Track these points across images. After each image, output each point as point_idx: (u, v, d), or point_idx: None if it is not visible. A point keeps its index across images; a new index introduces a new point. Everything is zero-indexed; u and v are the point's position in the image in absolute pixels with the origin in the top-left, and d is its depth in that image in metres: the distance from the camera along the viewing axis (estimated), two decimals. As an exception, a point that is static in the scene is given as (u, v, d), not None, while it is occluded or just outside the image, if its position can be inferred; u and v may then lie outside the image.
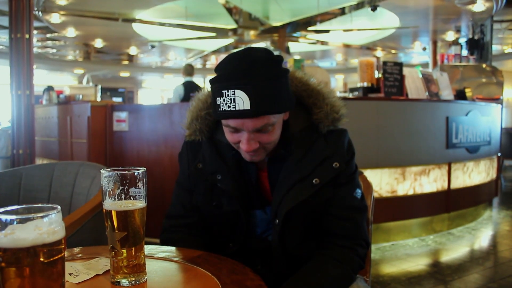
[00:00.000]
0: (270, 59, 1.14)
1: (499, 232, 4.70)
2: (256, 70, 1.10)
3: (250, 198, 1.28)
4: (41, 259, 0.61)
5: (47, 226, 0.62)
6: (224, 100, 1.11)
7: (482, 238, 4.46)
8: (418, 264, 3.58)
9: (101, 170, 0.92)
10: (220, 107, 1.12)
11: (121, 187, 0.93)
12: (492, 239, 4.48)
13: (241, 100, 1.09)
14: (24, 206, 0.64)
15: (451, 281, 3.19)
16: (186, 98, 6.12)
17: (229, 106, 1.10)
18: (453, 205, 4.55)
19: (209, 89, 1.25)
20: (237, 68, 1.10)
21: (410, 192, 4.17)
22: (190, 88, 6.26)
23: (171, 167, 3.98)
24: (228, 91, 1.10)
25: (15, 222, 0.61)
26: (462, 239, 4.31)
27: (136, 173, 0.94)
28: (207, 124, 1.31)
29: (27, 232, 0.60)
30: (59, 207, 0.65)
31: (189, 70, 6.47)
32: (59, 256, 0.64)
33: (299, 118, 1.26)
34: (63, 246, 0.65)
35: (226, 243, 1.29)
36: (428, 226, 4.42)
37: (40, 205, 0.64)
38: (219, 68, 1.15)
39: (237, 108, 1.09)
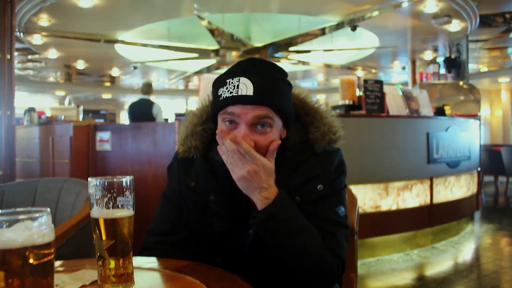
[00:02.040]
0: (276, 65, 1.20)
1: (482, 245, 4.76)
2: (263, 67, 1.15)
3: (241, 218, 1.22)
4: (31, 261, 0.61)
5: (37, 228, 0.62)
6: (227, 88, 1.12)
7: (465, 252, 4.50)
8: (404, 278, 3.59)
9: (88, 179, 0.92)
10: (221, 97, 1.13)
11: (108, 195, 0.93)
12: (475, 252, 4.53)
13: (245, 86, 1.10)
14: (12, 210, 0.63)
15: (436, 294, 3.21)
16: (132, 117, 6.08)
17: (231, 92, 1.11)
18: (436, 219, 4.60)
19: (202, 102, 1.26)
20: (244, 63, 1.16)
21: (394, 207, 4.21)
22: (135, 107, 6.18)
23: (155, 186, 3.95)
24: (232, 79, 1.12)
25: (4, 224, 0.60)
26: (446, 253, 4.34)
27: (123, 182, 0.95)
28: (203, 140, 1.26)
29: (16, 233, 0.60)
30: (48, 209, 0.65)
31: (144, 89, 6.24)
32: (49, 258, 0.63)
33: (295, 135, 1.24)
34: (53, 249, 0.64)
35: (213, 258, 1.26)
36: (412, 240, 4.45)
37: (29, 208, 0.64)
38: (223, 75, 1.18)
39: (239, 94, 1.10)
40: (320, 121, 1.24)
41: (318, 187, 1.19)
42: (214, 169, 1.24)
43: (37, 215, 0.63)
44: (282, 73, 1.19)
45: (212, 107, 1.19)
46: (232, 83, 1.11)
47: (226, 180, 1.20)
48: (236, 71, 1.14)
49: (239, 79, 1.11)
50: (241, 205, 1.22)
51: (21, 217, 0.61)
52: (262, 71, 1.14)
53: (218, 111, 1.16)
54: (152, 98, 6.23)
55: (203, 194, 1.22)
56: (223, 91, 1.12)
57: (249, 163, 1.10)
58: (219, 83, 1.16)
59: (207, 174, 1.23)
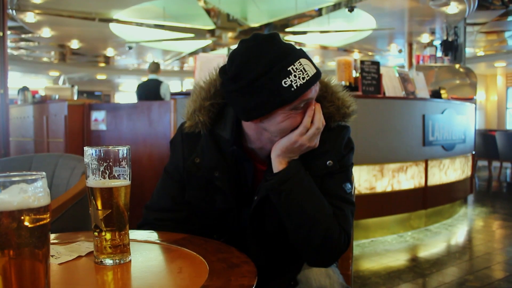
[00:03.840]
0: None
1: (474, 228, 4.80)
2: (281, 42, 1.11)
3: (244, 196, 1.22)
4: (26, 224, 0.59)
5: (33, 191, 0.61)
6: (295, 76, 1.05)
7: (458, 234, 4.54)
8: (397, 259, 3.62)
9: (84, 148, 0.91)
10: (292, 87, 1.05)
11: (104, 165, 0.91)
12: (468, 235, 4.57)
13: (309, 67, 1.08)
14: (6, 173, 0.62)
15: (430, 274, 3.24)
16: (140, 97, 6.05)
17: (303, 78, 1.06)
18: (430, 201, 4.62)
19: (209, 75, 1.23)
20: (276, 46, 1.08)
21: (389, 189, 4.22)
22: (143, 87, 6.16)
23: (150, 166, 3.94)
24: (295, 65, 1.06)
25: (-1, 187, 0.59)
26: (439, 235, 4.38)
27: (120, 151, 0.93)
28: (210, 116, 1.22)
29: (12, 195, 0.58)
30: (44, 173, 0.63)
31: (152, 67, 6.25)
32: (45, 222, 0.62)
33: None
34: (48, 213, 0.63)
35: (210, 234, 1.25)
36: (406, 223, 4.48)
37: (23, 172, 0.63)
38: (244, 68, 1.07)
39: (310, 75, 1.07)
40: (332, 95, 1.22)
41: (328, 162, 1.18)
42: (220, 145, 1.22)
43: (32, 177, 0.61)
44: None
45: (273, 101, 1.07)
46: (297, 68, 1.05)
47: (232, 157, 1.20)
48: (284, 54, 1.06)
49: (301, 62, 1.07)
50: (245, 183, 1.22)
51: (16, 179, 0.60)
52: (285, 43, 1.12)
53: (290, 102, 1.07)
54: (160, 77, 6.25)
55: (208, 170, 1.20)
56: (291, 80, 1.04)
57: (316, 141, 1.15)
58: (276, 74, 1.05)
59: (213, 151, 1.21)
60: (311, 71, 1.07)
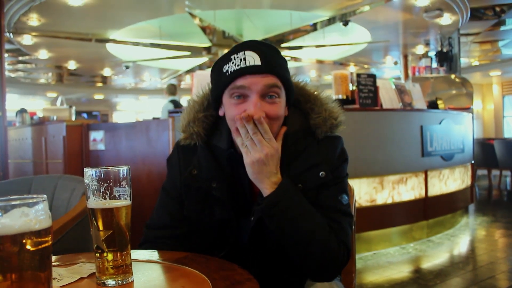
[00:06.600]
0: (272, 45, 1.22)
1: (477, 237, 4.78)
2: (262, 43, 1.17)
3: (242, 206, 1.22)
4: (28, 247, 0.59)
5: (34, 214, 0.61)
6: (233, 63, 1.12)
7: (461, 244, 4.52)
8: (400, 271, 3.60)
9: (84, 169, 0.91)
10: (227, 73, 1.12)
11: (105, 185, 0.91)
12: (471, 244, 4.55)
13: (252, 58, 1.11)
14: (7, 197, 0.62)
15: (434, 286, 3.21)
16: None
17: (238, 65, 1.11)
18: (431, 212, 4.61)
19: (202, 90, 1.28)
20: (244, 43, 1.17)
21: (389, 201, 4.21)
22: (178, 106, 6.38)
23: (149, 184, 3.93)
24: (237, 54, 1.12)
25: (0, 210, 0.59)
26: (442, 246, 4.36)
27: (120, 171, 0.93)
28: (204, 127, 1.25)
29: (13, 219, 0.58)
30: (45, 196, 0.63)
31: (172, 89, 6.79)
32: (47, 245, 0.62)
33: (296, 121, 1.23)
34: (50, 236, 0.63)
35: (210, 250, 1.24)
36: (408, 234, 4.46)
37: (24, 195, 0.63)
38: (223, 55, 1.18)
39: (247, 65, 1.10)
40: (320, 107, 1.24)
41: (320, 173, 1.18)
42: (216, 156, 1.23)
43: (34, 201, 0.61)
44: (279, 52, 1.21)
45: (216, 87, 1.18)
46: (237, 57, 1.12)
47: (229, 167, 1.20)
48: (238, 48, 1.15)
49: (245, 53, 1.12)
50: (243, 193, 1.22)
51: (17, 202, 0.60)
52: (263, 45, 1.16)
53: (225, 87, 1.15)
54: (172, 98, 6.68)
55: (206, 181, 1.21)
56: (229, 67, 1.12)
57: (267, 146, 1.10)
58: (221, 62, 1.16)
59: (209, 161, 1.23)
60: (252, 62, 1.11)
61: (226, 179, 1.21)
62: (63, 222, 1.37)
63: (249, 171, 1.13)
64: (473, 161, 5.82)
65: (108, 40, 8.57)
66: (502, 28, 8.43)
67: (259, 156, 1.10)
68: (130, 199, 0.95)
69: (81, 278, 0.97)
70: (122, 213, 0.93)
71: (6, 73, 9.28)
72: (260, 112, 1.10)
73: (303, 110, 1.27)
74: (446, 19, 7.20)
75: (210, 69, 1.25)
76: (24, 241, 0.59)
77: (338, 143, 1.25)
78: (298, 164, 1.19)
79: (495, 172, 9.71)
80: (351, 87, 4.74)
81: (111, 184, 0.92)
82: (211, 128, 1.25)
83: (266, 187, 1.12)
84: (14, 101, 14.17)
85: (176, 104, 6.58)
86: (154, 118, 5.52)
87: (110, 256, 0.92)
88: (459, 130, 5.26)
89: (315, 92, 1.27)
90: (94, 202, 0.91)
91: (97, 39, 8.39)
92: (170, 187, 1.30)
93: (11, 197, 0.61)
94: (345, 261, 1.15)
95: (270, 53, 1.15)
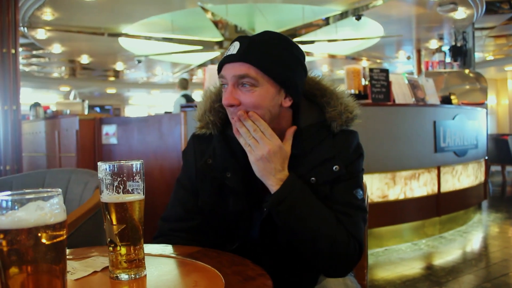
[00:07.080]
0: (289, 39, 1.21)
1: (490, 234, 4.74)
2: (269, 34, 1.17)
3: (256, 197, 1.22)
4: (43, 241, 0.60)
5: (49, 208, 0.61)
6: (224, 53, 1.16)
7: (474, 241, 4.48)
8: (412, 267, 3.58)
9: (98, 163, 0.91)
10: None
11: (118, 180, 0.92)
12: (483, 241, 4.51)
13: (233, 47, 1.13)
14: (23, 191, 0.62)
15: (446, 283, 3.19)
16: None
17: (224, 54, 1.15)
18: (444, 208, 4.57)
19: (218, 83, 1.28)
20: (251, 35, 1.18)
21: (401, 197, 4.18)
22: (190, 100, 6.39)
23: (162, 178, 3.94)
24: (231, 44, 1.15)
25: (16, 204, 0.59)
26: (454, 242, 4.33)
27: (133, 166, 0.94)
28: (220, 117, 1.26)
29: (28, 213, 0.59)
30: (60, 190, 0.64)
31: (184, 83, 6.81)
32: (61, 239, 0.62)
33: (311, 115, 1.24)
34: (65, 230, 0.63)
35: (223, 244, 1.24)
36: (420, 230, 4.43)
37: (39, 189, 0.63)
38: None
39: (226, 54, 1.13)
40: (336, 101, 1.24)
41: (334, 167, 1.17)
42: (231, 146, 1.24)
43: (49, 194, 0.62)
44: (290, 44, 1.19)
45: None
46: (228, 48, 1.15)
47: (243, 158, 1.20)
48: (235, 39, 1.18)
49: (233, 43, 1.14)
50: (256, 184, 1.21)
51: (32, 196, 0.60)
52: (262, 35, 1.16)
53: (218, 73, 1.18)
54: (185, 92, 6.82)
55: (220, 171, 1.22)
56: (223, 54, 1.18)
57: (269, 143, 1.11)
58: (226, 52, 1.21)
59: (224, 151, 1.23)
60: (230, 52, 1.13)
61: (240, 170, 1.21)
62: (76, 216, 1.38)
63: (255, 169, 1.14)
64: (486, 157, 5.76)
65: (120, 34, 8.61)
66: (518, 22, 8.31)
67: (261, 153, 1.12)
68: (143, 193, 0.95)
69: (95, 272, 0.97)
70: (135, 208, 0.93)
71: (20, 67, 9.38)
72: (232, 100, 1.12)
73: (319, 104, 1.26)
74: (461, 13, 7.11)
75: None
76: (39, 234, 0.60)
77: (354, 137, 1.25)
78: (312, 158, 1.19)
79: (509, 168, 9.60)
80: (364, 82, 4.70)
81: (124, 178, 0.92)
82: (226, 118, 1.24)
83: (272, 184, 1.13)
84: (28, 95, 14.31)
85: (188, 98, 6.59)
86: (166, 113, 5.52)
87: (123, 250, 0.92)
88: (473, 125, 5.21)
89: (331, 87, 1.27)
90: (108, 196, 0.92)
91: (110, 34, 8.44)
92: (185, 179, 1.31)
93: (27, 190, 0.62)
94: (356, 256, 1.14)
95: (259, 42, 1.13)
